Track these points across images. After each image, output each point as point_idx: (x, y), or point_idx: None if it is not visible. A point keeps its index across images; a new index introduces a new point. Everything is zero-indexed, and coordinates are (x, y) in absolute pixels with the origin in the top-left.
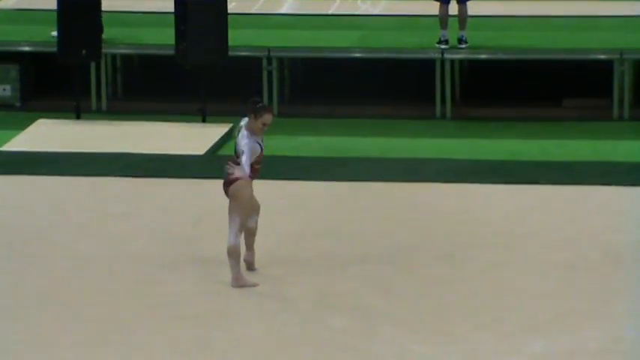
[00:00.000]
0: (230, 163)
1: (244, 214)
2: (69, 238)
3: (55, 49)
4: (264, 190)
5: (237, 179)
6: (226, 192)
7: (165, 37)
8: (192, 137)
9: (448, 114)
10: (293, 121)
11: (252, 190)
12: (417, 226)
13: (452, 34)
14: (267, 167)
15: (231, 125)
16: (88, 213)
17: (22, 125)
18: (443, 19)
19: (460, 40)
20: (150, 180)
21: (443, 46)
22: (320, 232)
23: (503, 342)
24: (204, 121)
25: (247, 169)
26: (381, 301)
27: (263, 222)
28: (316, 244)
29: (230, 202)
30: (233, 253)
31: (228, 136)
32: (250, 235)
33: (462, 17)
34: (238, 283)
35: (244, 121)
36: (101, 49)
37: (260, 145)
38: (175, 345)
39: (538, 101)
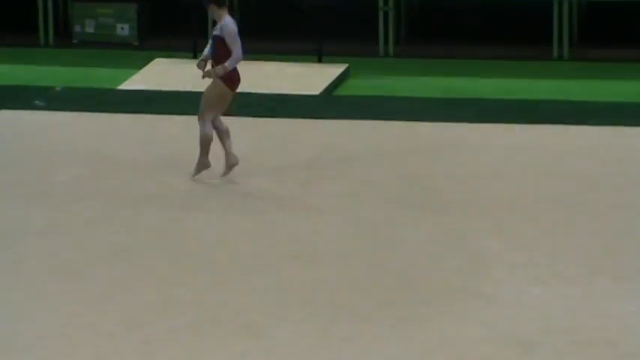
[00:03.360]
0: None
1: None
2: (185, 175)
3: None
4: (378, 131)
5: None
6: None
7: None
8: (308, 77)
9: (565, 55)
10: (409, 62)
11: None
12: (535, 168)
13: None
14: (382, 108)
15: (347, 66)
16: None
17: (140, 64)
18: None
19: None
20: (266, 120)
21: None
22: (435, 173)
23: (619, 286)
24: (320, 61)
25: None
26: (496, 242)
27: (380, 163)
28: (432, 186)
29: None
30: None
31: (344, 76)
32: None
33: None
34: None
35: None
36: None
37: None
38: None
39: None
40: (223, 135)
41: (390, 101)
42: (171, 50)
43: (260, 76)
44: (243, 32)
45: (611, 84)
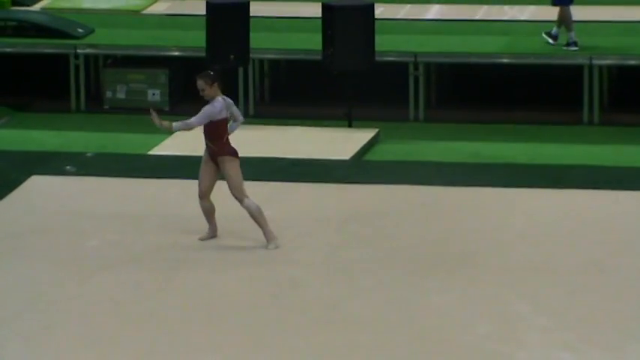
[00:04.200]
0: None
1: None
2: (217, 241)
3: (204, 54)
4: (408, 196)
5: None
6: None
7: (312, 43)
8: (338, 142)
9: (596, 120)
10: (439, 126)
11: (203, 160)
12: (565, 233)
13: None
14: (412, 173)
15: (377, 130)
16: (234, 216)
17: None
18: (567, 20)
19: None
20: (296, 184)
21: (572, 48)
22: (463, 237)
23: None
24: (350, 125)
25: (174, 125)
26: (527, 307)
27: (409, 227)
28: (460, 250)
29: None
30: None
31: (375, 141)
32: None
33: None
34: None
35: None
36: (249, 54)
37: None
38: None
39: None
40: (211, 210)
41: (419, 166)
42: None
43: (291, 141)
44: (274, 97)
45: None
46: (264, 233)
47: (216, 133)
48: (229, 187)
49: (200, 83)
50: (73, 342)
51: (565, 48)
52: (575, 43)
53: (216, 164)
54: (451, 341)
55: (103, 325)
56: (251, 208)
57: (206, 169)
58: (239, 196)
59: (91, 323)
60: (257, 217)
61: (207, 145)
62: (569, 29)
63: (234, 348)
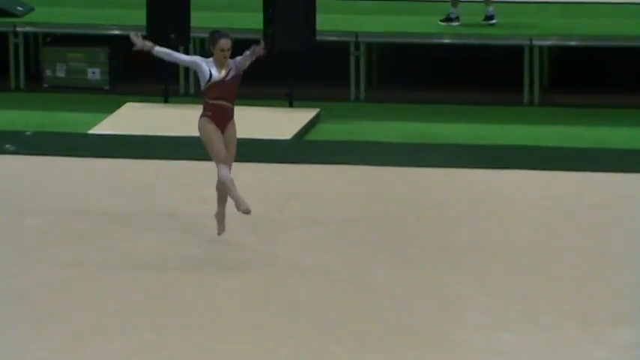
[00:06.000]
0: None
1: (211, 151)
2: (156, 222)
3: (144, 33)
4: (349, 176)
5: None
6: None
7: (253, 22)
8: (279, 121)
9: (536, 100)
10: (380, 106)
11: (212, 129)
12: (506, 213)
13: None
14: (354, 153)
15: (318, 110)
16: (176, 197)
17: (111, 108)
18: None
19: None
20: (236, 164)
21: (454, 24)
22: (405, 217)
23: (588, 331)
24: (291, 105)
25: (156, 48)
26: (468, 287)
27: (351, 207)
28: (402, 231)
29: None
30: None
31: (316, 121)
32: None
33: None
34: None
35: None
36: (189, 33)
37: (210, 71)
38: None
39: (627, 88)
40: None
41: (361, 146)
42: (143, 94)
43: None
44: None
45: (581, 130)
46: (235, 203)
47: (235, 92)
48: (233, 150)
49: (227, 42)
50: (12, 321)
51: (483, 23)
52: (492, 17)
53: (222, 130)
54: (392, 321)
55: (43, 305)
56: (223, 176)
57: (218, 135)
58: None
59: (31, 302)
60: (229, 185)
61: (219, 107)
62: (487, 3)
63: (170, 328)
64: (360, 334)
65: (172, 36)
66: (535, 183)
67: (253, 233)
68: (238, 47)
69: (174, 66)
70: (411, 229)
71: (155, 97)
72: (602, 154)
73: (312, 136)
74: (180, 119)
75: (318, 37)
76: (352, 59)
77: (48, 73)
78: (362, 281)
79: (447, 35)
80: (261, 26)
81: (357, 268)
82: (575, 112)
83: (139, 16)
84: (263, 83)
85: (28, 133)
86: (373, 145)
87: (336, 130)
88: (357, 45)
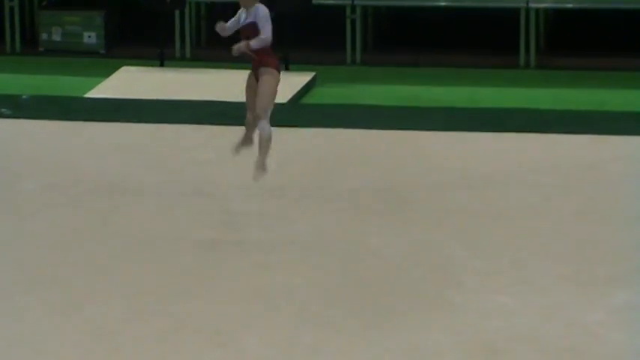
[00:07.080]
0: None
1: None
2: (155, 185)
3: None
4: (346, 138)
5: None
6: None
7: None
8: None
9: (532, 63)
10: (377, 70)
11: (248, 78)
12: (502, 176)
13: None
14: (350, 116)
15: (314, 74)
16: (173, 160)
17: (107, 72)
18: None
19: None
20: (233, 128)
21: None
22: (401, 181)
23: (584, 294)
24: (287, 69)
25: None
26: (464, 250)
27: (347, 171)
28: (398, 194)
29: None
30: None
31: (312, 85)
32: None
33: None
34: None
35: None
36: None
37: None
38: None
39: (624, 51)
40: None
41: (357, 109)
42: (139, 58)
43: (228, 85)
44: (209, 41)
45: (578, 92)
46: (257, 160)
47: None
48: (259, 101)
49: None
50: (9, 285)
51: None
52: None
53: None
54: (386, 285)
55: (39, 268)
56: (265, 132)
57: (250, 84)
58: (261, 113)
59: (27, 265)
60: (264, 143)
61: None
62: None
63: (167, 292)
64: (358, 298)
65: (168, 0)
66: (532, 146)
67: (248, 196)
68: (229, 10)
69: (170, 29)
70: (407, 192)
71: (151, 60)
72: (598, 117)
73: (308, 99)
74: (176, 83)
75: (314, 1)
76: (348, 22)
77: (44, 36)
78: (356, 244)
79: None
80: None
81: (351, 232)
82: (571, 75)
83: None
84: None
85: (24, 97)
86: (369, 109)
87: (332, 94)
88: (353, 8)
